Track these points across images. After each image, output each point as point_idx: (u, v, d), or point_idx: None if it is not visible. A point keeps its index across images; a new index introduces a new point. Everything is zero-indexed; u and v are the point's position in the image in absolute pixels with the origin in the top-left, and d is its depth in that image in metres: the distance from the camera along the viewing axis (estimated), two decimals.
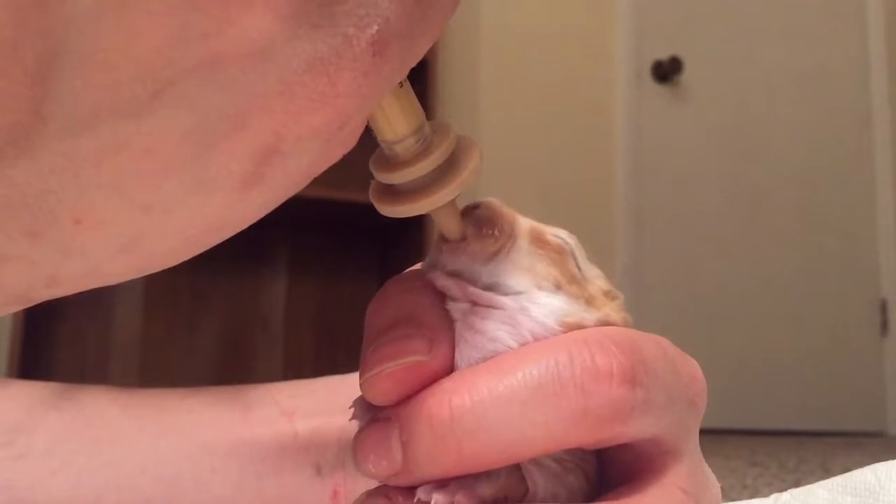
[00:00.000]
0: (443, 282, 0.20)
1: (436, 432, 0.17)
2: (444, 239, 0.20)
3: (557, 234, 0.20)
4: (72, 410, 0.30)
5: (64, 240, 0.13)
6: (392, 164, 0.18)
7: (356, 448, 0.18)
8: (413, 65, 0.15)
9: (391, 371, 0.18)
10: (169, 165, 0.13)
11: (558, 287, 0.19)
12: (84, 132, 0.12)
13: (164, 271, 0.16)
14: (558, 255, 0.20)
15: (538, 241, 0.20)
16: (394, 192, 0.18)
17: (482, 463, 0.17)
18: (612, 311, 0.20)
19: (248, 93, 0.13)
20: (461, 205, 0.20)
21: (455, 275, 0.19)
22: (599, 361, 0.18)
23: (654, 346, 0.19)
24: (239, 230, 0.15)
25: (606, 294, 0.20)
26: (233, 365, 2.30)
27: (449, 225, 0.19)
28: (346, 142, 0.15)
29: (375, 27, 0.13)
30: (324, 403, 0.31)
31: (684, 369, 0.20)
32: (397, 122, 0.17)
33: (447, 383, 0.18)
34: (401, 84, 0.17)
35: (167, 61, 0.12)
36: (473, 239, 0.19)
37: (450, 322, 0.19)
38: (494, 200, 0.20)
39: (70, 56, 0.12)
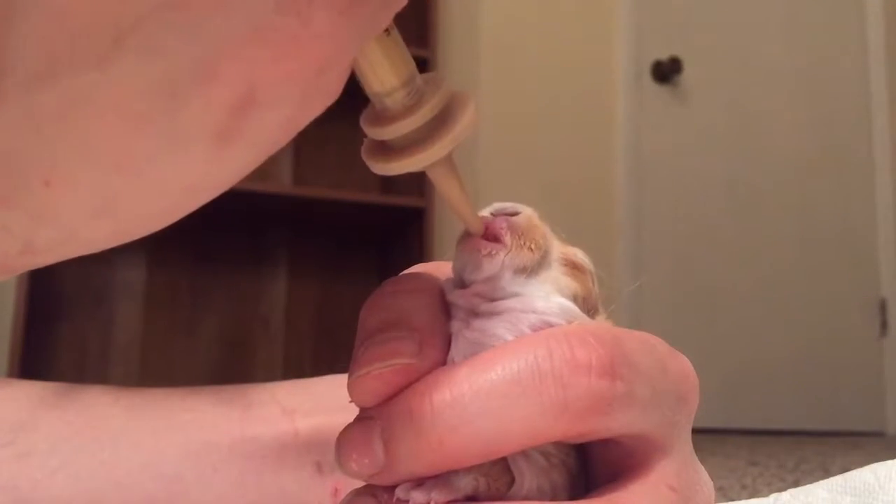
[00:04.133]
0: (456, 297, 0.19)
1: (417, 428, 0.17)
2: (472, 235, 0.19)
3: (577, 254, 0.21)
4: (73, 410, 0.30)
5: (35, 204, 0.13)
6: (382, 118, 0.17)
7: (339, 447, 0.18)
8: (397, 7, 0.14)
9: (378, 373, 0.18)
10: (137, 120, 0.12)
11: (574, 300, 0.20)
12: (46, 85, 0.12)
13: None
14: (581, 273, 0.20)
15: (565, 259, 0.20)
16: (386, 149, 0.18)
17: (464, 458, 0.17)
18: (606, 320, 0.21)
19: (215, 38, 0.12)
20: (466, 192, 0.19)
21: (480, 284, 0.19)
22: (578, 354, 0.17)
23: (639, 342, 0.19)
24: (220, 191, 0.15)
25: (597, 310, 0.21)
26: (233, 365, 2.30)
27: (447, 185, 0.18)
28: (328, 92, 0.14)
29: None
30: (324, 402, 0.31)
31: (673, 366, 0.20)
32: (385, 73, 0.16)
33: (428, 379, 0.18)
34: (388, 32, 0.16)
35: (125, 4, 0.11)
36: (514, 250, 0.19)
37: (443, 325, 0.19)
38: (530, 211, 0.20)
39: (24, 4, 0.11)
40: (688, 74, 2.58)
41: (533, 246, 0.19)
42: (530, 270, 0.19)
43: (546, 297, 0.19)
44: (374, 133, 0.17)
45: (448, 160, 0.18)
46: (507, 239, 0.19)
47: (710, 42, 2.64)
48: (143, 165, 0.13)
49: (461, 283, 0.19)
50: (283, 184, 2.24)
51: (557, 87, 2.48)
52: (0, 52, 0.11)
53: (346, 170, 2.30)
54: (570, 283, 0.20)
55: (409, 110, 0.17)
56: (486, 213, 0.20)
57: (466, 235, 0.19)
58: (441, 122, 0.17)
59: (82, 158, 0.13)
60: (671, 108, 2.60)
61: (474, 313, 0.19)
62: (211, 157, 0.13)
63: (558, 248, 0.20)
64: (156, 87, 0.12)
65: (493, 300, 0.19)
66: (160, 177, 0.13)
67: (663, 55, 2.56)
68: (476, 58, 2.41)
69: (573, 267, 0.20)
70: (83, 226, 0.14)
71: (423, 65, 2.16)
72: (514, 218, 0.19)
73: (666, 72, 2.56)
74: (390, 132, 0.17)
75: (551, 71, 2.48)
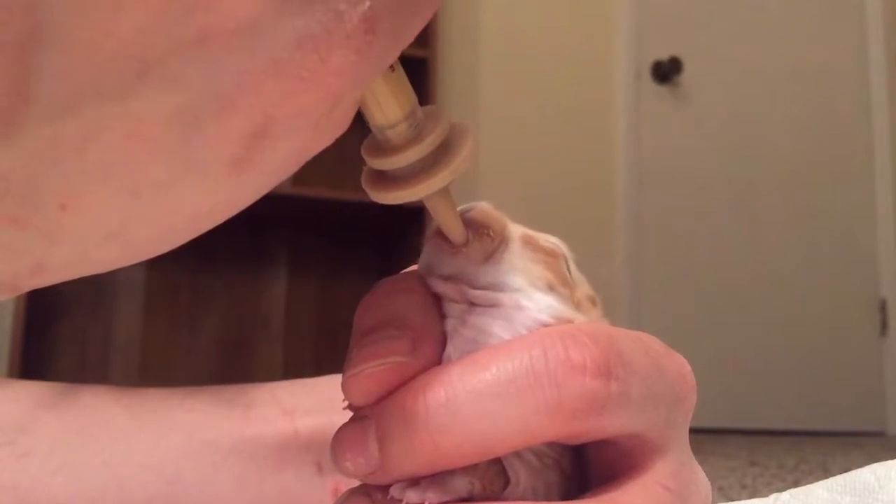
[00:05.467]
0: (440, 287, 0.20)
1: (411, 428, 0.17)
2: (437, 235, 0.20)
3: (548, 240, 0.21)
4: (73, 410, 0.30)
5: (49, 226, 0.13)
6: (384, 149, 0.18)
7: (334, 447, 0.18)
8: (406, 44, 0.14)
9: (371, 371, 0.18)
10: (156, 148, 0.13)
11: (551, 288, 0.20)
12: (68, 114, 0.12)
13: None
14: (551, 258, 0.20)
15: (530, 244, 0.20)
16: (386, 179, 0.18)
17: (458, 458, 0.17)
18: (595, 317, 0.20)
19: (236, 72, 0.12)
20: (456, 199, 0.20)
21: (452, 278, 0.19)
22: (573, 354, 0.18)
23: (635, 341, 0.19)
24: (230, 216, 0.15)
25: (590, 299, 0.21)
26: (233, 365, 2.30)
27: (442, 213, 0.19)
28: (338, 125, 0.14)
29: (367, 3, 0.13)
30: (324, 402, 0.31)
31: (670, 366, 0.20)
32: (389, 107, 0.17)
33: (422, 379, 0.18)
34: (392, 68, 0.16)
35: (152, 39, 0.12)
36: (472, 241, 0.19)
37: (438, 324, 0.19)
38: (485, 204, 0.20)
39: (52, 34, 0.11)
40: (688, 74, 2.58)
41: (491, 232, 0.20)
42: (495, 254, 0.20)
43: (531, 294, 0.19)
44: (375, 163, 0.18)
45: (446, 190, 0.18)
46: (468, 234, 0.19)
47: (710, 42, 2.64)
48: (158, 191, 0.13)
49: (431, 274, 0.20)
50: (283, 184, 2.24)
51: (557, 87, 2.48)
52: (25, 80, 0.11)
53: (346, 170, 2.30)
54: (542, 273, 0.20)
55: (410, 142, 0.17)
56: None
57: (432, 234, 0.20)
58: (441, 154, 0.18)
59: (100, 184, 0.13)
60: (671, 108, 2.60)
61: (468, 308, 0.19)
62: (224, 184, 0.14)
63: (521, 234, 0.20)
64: (176, 117, 0.12)
65: (474, 287, 0.19)
66: (174, 202, 0.14)
67: (663, 55, 2.56)
68: (476, 58, 2.41)
69: (542, 252, 0.20)
70: (95, 248, 0.14)
71: (422, 65, 2.16)
72: (468, 213, 0.20)
73: (666, 72, 2.56)
74: (391, 163, 0.17)
75: (551, 71, 2.48)
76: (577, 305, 0.20)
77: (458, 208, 0.20)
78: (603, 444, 0.19)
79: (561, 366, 0.17)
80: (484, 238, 0.19)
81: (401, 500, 0.17)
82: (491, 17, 2.43)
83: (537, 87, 2.46)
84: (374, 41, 0.13)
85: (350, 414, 0.19)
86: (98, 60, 0.12)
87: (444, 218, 0.19)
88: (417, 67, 2.16)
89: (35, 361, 2.01)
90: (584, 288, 0.21)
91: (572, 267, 0.21)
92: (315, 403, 0.31)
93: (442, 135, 0.18)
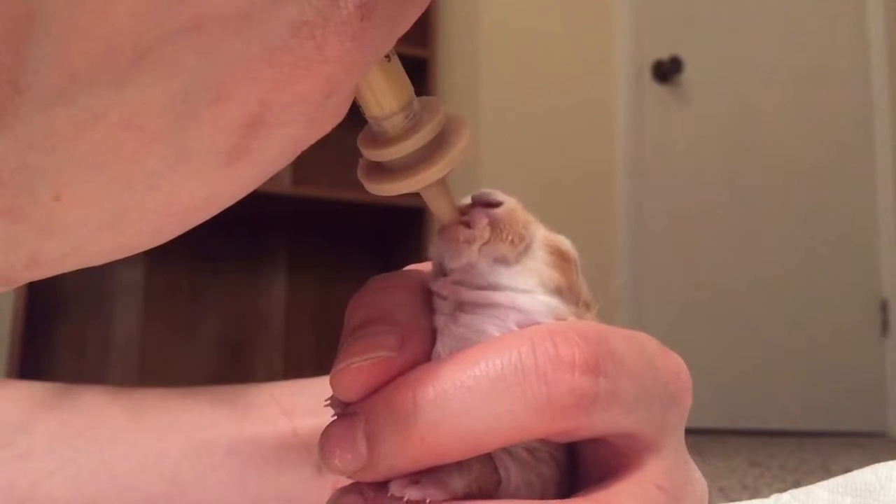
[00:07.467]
0: (435, 284, 0.20)
1: (399, 424, 0.17)
2: (449, 227, 0.19)
3: (564, 243, 0.21)
4: (72, 410, 0.30)
5: (44, 218, 0.13)
6: (380, 140, 0.17)
7: (322, 443, 0.18)
8: (402, 32, 0.14)
9: (358, 366, 0.18)
10: (150, 138, 0.13)
11: (559, 292, 0.20)
12: (61, 103, 0.12)
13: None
14: (565, 262, 0.20)
15: (550, 246, 0.20)
16: (382, 170, 0.18)
17: (447, 454, 0.17)
18: (589, 319, 0.20)
19: (231, 59, 0.12)
20: (455, 196, 0.20)
21: (456, 272, 0.19)
22: (562, 351, 0.18)
23: (627, 340, 0.19)
24: (225, 207, 0.15)
25: (585, 304, 0.21)
26: (233, 365, 2.30)
27: (439, 205, 0.19)
28: (334, 113, 0.14)
29: None
30: (323, 402, 0.31)
31: (664, 365, 0.20)
32: (385, 97, 0.17)
33: (411, 375, 0.18)
34: (388, 58, 0.16)
35: (146, 27, 0.12)
36: (492, 240, 0.19)
37: (428, 321, 0.19)
38: (513, 202, 0.20)
39: (46, 22, 0.11)
40: (688, 74, 2.58)
41: (514, 238, 0.19)
42: (512, 261, 0.19)
43: (531, 293, 0.19)
44: (372, 155, 0.18)
45: (442, 181, 0.18)
46: (485, 229, 0.19)
47: (710, 41, 2.64)
48: (153, 182, 0.13)
49: (441, 271, 0.20)
50: (283, 183, 2.24)
51: (557, 87, 2.48)
52: (18, 68, 0.11)
53: (346, 170, 2.29)
54: (553, 276, 0.20)
55: (406, 134, 0.17)
56: (467, 199, 0.20)
57: (445, 226, 0.20)
58: (437, 145, 0.18)
59: (94, 174, 0.13)
60: (671, 108, 2.60)
61: (459, 305, 0.19)
62: (220, 174, 0.14)
63: (543, 236, 0.20)
64: (170, 106, 0.12)
65: (474, 288, 0.19)
66: (169, 193, 0.13)
67: (664, 54, 2.56)
68: (476, 58, 2.41)
69: (559, 255, 0.20)
70: (90, 239, 0.14)
71: (423, 65, 2.16)
72: (494, 210, 0.20)
73: (666, 71, 2.56)
74: (388, 154, 0.17)
75: (551, 71, 2.48)
76: (578, 311, 0.20)
77: (481, 192, 0.20)
78: (596, 443, 0.19)
79: (550, 362, 0.17)
80: (503, 242, 0.19)
81: (401, 498, 0.17)
82: (491, 16, 2.43)
83: (538, 87, 2.45)
84: (369, 28, 0.13)
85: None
86: (92, 48, 0.11)
87: (441, 209, 0.19)
88: (417, 67, 2.16)
89: (34, 362, 2.01)
90: (583, 291, 0.21)
91: (579, 271, 0.21)
92: (314, 403, 0.31)
93: (438, 126, 0.18)
